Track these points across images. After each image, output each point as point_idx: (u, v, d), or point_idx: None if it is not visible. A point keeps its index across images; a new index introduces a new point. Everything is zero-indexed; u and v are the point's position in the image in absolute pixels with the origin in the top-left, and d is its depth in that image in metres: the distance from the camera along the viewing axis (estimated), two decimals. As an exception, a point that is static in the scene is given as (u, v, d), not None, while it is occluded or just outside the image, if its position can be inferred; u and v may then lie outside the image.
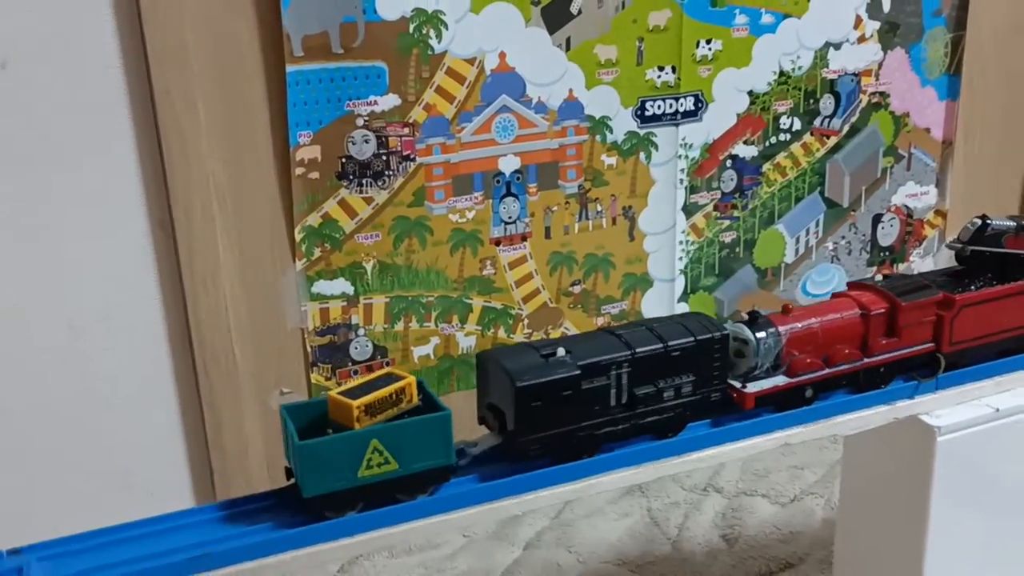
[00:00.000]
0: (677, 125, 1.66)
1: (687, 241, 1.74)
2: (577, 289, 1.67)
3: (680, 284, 1.76)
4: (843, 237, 1.89)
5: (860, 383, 1.08)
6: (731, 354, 1.02)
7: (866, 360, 1.06)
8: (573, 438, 0.93)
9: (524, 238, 1.60)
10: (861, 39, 1.78)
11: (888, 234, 1.94)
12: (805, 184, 1.83)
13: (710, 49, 1.65)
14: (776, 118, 1.75)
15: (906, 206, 1.95)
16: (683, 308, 1.77)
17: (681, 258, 1.74)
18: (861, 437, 1.13)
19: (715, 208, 1.75)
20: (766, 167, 1.77)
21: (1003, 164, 2.04)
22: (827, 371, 1.04)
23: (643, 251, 1.71)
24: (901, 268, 1.98)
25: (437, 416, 0.88)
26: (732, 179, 1.75)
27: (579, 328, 1.69)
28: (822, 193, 1.85)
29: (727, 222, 1.77)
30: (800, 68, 1.74)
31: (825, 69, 1.77)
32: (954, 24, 1.87)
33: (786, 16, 1.70)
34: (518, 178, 1.56)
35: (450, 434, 0.89)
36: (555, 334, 1.68)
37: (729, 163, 1.74)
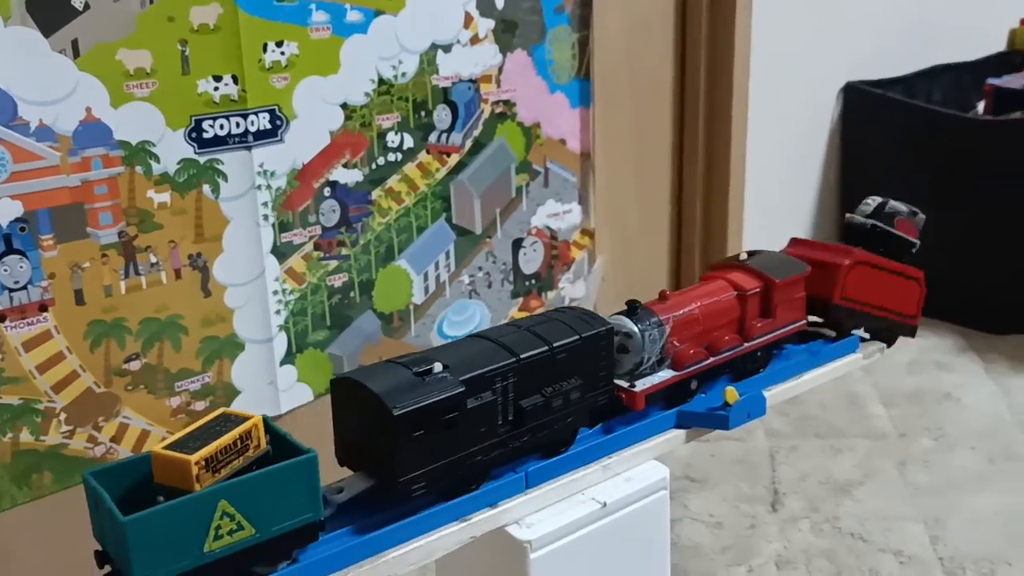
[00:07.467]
0: (250, 148, 1.33)
1: (284, 290, 1.41)
2: (135, 366, 1.29)
3: (281, 343, 1.42)
4: (480, 268, 1.64)
5: (740, 369, 1.05)
6: (615, 350, 0.94)
7: (746, 344, 1.03)
8: (460, 468, 0.81)
9: (44, 307, 1.20)
10: (474, 40, 1.54)
11: (532, 260, 1.72)
12: (427, 211, 1.55)
13: (283, 53, 1.33)
14: (381, 135, 1.47)
15: (548, 227, 1.73)
16: (289, 370, 1.44)
17: (279, 312, 1.41)
18: (452, 557, 0.85)
19: (316, 247, 1.43)
20: (376, 194, 1.48)
21: (644, 175, 1.88)
22: (711, 360, 1.00)
23: (225, 308, 1.36)
24: (551, 296, 1.76)
25: (300, 461, 0.74)
26: (334, 210, 1.44)
27: (146, 416, 1.31)
28: (449, 220, 1.58)
29: (334, 263, 1.46)
30: (404, 75, 1.47)
31: (435, 75, 1.50)
32: (579, 22, 1.68)
33: (378, 13, 1.42)
34: (22, 229, 1.16)
35: (317, 482, 0.76)
36: (111, 425, 1.29)
37: (328, 192, 1.43)
